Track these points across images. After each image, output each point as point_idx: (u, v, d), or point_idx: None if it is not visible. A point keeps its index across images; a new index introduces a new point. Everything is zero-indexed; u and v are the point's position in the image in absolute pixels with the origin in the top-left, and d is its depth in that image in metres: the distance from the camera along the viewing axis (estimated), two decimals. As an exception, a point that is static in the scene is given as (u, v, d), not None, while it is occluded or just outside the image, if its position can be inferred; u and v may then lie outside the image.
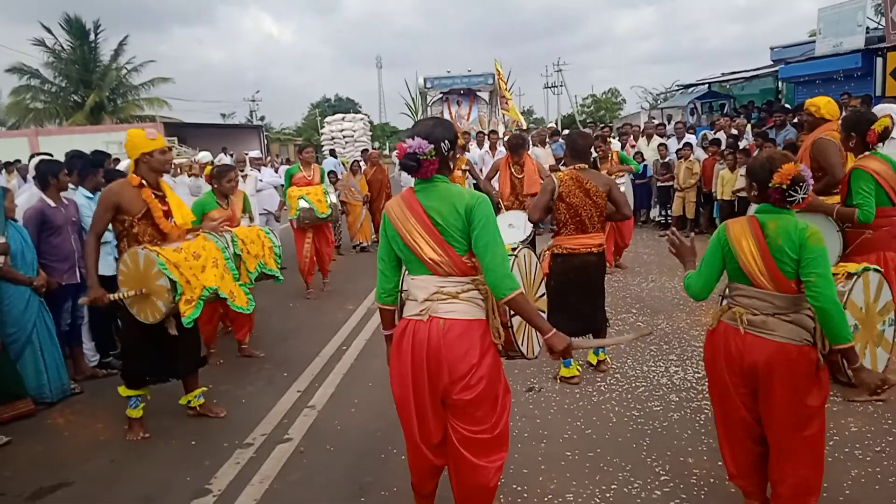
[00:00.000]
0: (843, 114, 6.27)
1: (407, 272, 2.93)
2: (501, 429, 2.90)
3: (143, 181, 4.33)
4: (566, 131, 18.41)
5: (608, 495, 3.57)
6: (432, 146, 2.69)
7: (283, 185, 9.05)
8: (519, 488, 3.68)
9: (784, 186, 2.76)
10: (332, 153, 18.16)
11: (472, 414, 2.82)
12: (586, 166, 5.05)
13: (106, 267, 5.85)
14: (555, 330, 2.77)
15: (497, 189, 7.85)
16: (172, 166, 8.27)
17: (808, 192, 2.82)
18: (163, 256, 4.15)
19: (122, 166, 7.47)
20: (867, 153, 4.52)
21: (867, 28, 15.16)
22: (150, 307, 4.22)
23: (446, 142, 2.76)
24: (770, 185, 2.80)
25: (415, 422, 2.90)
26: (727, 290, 3.07)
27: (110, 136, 19.41)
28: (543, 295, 3.62)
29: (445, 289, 2.77)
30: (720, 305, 3.12)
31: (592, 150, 8.45)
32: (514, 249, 3.28)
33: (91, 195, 5.94)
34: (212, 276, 4.42)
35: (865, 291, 3.08)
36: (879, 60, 12.70)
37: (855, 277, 3.06)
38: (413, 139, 2.72)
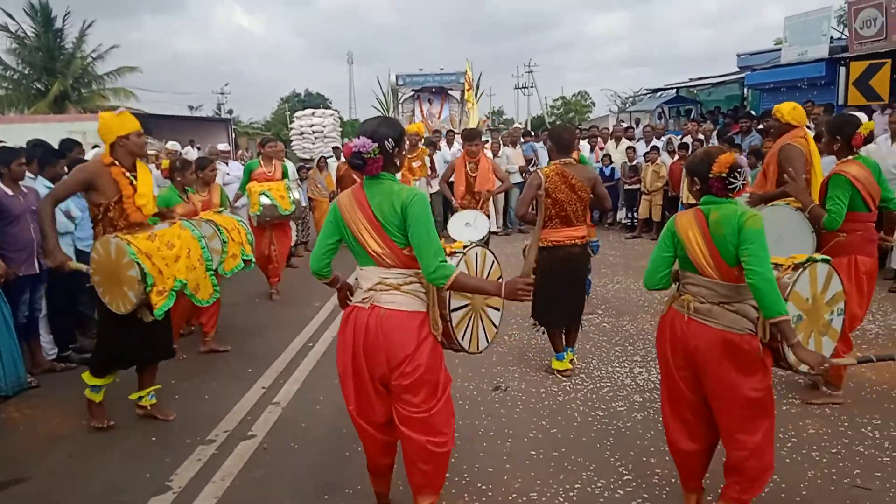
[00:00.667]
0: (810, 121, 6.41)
1: (357, 263, 3.07)
2: (440, 407, 3.03)
3: (116, 162, 4.22)
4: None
5: (571, 494, 3.60)
6: (376, 145, 2.85)
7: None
8: (483, 487, 3.68)
9: (723, 175, 2.94)
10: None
11: (410, 399, 2.98)
12: (571, 160, 5.13)
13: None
14: (503, 281, 3.01)
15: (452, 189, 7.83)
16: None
17: (746, 178, 2.98)
18: (134, 246, 4.06)
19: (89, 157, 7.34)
20: (850, 158, 4.49)
21: (831, 38, 15.49)
22: (121, 297, 4.13)
23: (390, 140, 2.91)
24: (710, 175, 2.97)
25: (353, 398, 3.08)
26: (679, 277, 3.19)
27: (73, 125, 18.87)
28: None
29: (388, 280, 2.95)
30: (674, 293, 3.24)
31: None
32: (465, 247, 3.35)
33: (52, 185, 5.82)
34: (184, 266, 4.34)
35: (812, 283, 3.13)
36: (843, 70, 12.98)
37: (801, 269, 3.10)
38: (358, 138, 2.87)
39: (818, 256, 3.21)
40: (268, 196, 7.65)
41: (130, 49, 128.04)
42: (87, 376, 4.45)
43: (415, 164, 10.43)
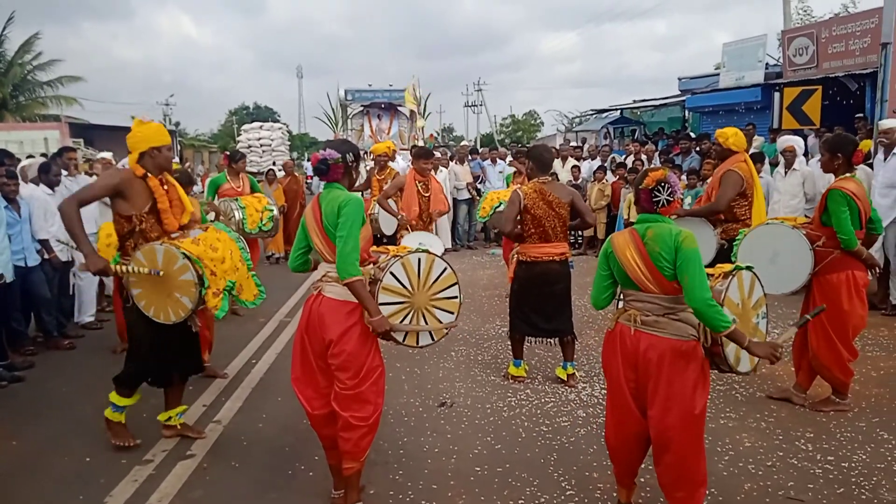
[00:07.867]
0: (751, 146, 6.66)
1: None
2: (365, 388, 3.44)
3: (148, 173, 4.08)
4: (483, 148, 18.75)
5: (515, 510, 3.61)
6: (339, 155, 3.43)
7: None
8: (427, 504, 3.67)
9: (650, 187, 3.12)
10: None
11: (340, 376, 3.44)
12: (549, 179, 5.35)
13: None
14: (381, 315, 3.37)
15: (397, 210, 7.56)
16: (76, 165, 7.84)
17: (675, 196, 3.14)
18: (185, 249, 3.94)
19: (25, 164, 7.09)
20: (847, 175, 4.60)
21: (766, 64, 16.09)
22: (172, 305, 3.98)
23: (351, 154, 3.51)
24: (639, 188, 3.17)
25: (297, 368, 3.58)
26: (622, 295, 3.33)
27: (10, 135, 18.19)
28: (454, 297, 3.75)
29: (330, 273, 3.44)
30: (617, 309, 3.36)
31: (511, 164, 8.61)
32: (411, 251, 3.61)
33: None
34: (230, 267, 4.21)
35: (740, 288, 3.30)
36: (777, 95, 13.46)
37: (730, 277, 3.28)
38: (325, 150, 3.47)
39: (742, 265, 3.39)
40: (242, 210, 7.27)
41: (72, 57, 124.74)
42: (114, 396, 4.30)
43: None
